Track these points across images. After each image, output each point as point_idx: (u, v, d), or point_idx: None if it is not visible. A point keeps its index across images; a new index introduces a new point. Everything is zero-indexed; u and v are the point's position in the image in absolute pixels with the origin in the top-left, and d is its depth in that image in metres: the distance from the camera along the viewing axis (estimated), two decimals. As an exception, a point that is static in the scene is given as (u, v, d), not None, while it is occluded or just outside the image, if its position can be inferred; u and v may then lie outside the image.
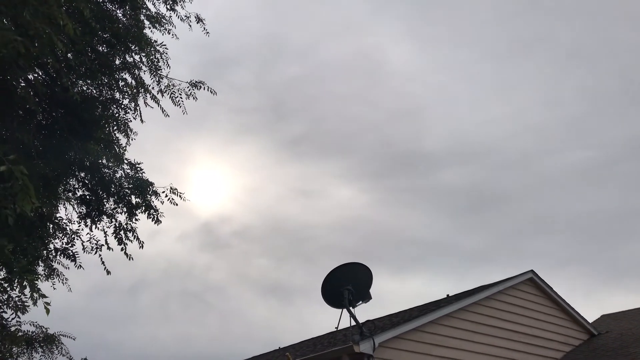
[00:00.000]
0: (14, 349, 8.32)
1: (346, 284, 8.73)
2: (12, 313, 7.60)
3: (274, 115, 25.58)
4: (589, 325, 12.17)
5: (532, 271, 11.38)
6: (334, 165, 28.80)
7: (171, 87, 7.27)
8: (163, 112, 7.49)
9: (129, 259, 7.07)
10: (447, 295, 11.84)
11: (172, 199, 7.16)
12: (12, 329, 8.13)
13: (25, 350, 8.82)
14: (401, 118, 25.73)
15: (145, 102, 7.43)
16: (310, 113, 25.81)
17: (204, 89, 7.25)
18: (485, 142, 25.85)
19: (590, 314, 15.59)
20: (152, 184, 7.09)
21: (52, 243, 7.28)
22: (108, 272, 7.12)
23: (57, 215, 7.32)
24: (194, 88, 7.25)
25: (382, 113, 25.26)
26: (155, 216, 7.14)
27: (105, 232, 7.28)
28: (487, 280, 11.16)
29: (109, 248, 7.21)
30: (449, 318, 9.45)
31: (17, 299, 7.19)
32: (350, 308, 8.70)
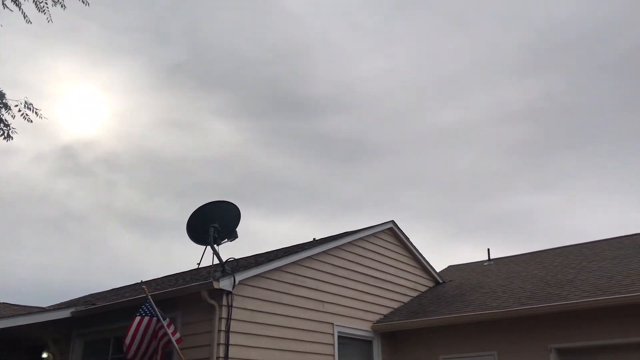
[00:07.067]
0: None
1: (213, 222, 8.69)
2: None
3: (154, 37, 23.95)
4: (436, 274, 13.34)
5: (392, 221, 12.12)
6: (213, 99, 27.93)
7: (34, -11, 6.50)
8: (25, 18, 6.72)
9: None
10: (314, 239, 12.28)
11: (27, 115, 6.54)
12: None
13: None
14: (287, 58, 25.43)
15: (3, 4, 6.61)
16: (193, 40, 24.50)
17: (74, -3, 6.58)
18: (367, 94, 26.53)
19: (440, 264, 17.09)
20: (3, 95, 6.41)
21: None
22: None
23: None
24: (61, -6, 6.55)
25: (268, 50, 24.71)
26: (6, 132, 6.50)
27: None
28: (354, 227, 11.72)
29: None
30: (311, 260, 9.82)
31: None
32: (215, 246, 8.70)
